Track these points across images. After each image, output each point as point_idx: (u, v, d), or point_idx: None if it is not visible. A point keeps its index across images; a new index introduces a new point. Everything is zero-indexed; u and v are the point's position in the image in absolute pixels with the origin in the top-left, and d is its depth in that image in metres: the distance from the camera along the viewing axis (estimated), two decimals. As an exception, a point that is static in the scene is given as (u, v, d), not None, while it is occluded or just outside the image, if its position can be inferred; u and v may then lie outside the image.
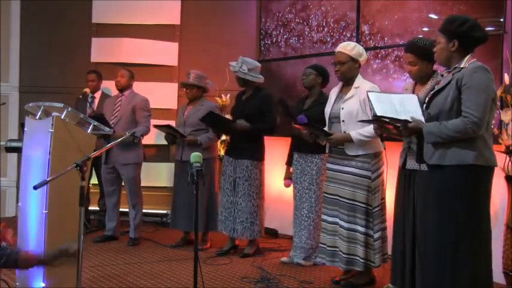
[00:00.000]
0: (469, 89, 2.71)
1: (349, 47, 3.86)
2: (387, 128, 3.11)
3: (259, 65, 4.70)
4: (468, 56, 2.82)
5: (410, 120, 2.84)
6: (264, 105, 4.60)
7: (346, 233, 3.78)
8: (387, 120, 3.01)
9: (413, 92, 3.31)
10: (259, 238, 4.83)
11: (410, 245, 3.14)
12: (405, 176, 3.20)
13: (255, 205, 4.61)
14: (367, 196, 3.75)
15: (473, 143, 2.73)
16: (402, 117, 2.86)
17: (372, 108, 3.03)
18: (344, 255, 3.80)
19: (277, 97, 4.80)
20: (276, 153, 5.48)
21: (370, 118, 3.37)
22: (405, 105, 2.87)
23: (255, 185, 4.62)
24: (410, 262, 3.15)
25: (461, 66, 2.80)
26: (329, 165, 3.99)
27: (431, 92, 2.92)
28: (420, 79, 3.31)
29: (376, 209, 3.76)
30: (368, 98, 3.05)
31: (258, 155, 4.68)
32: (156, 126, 5.03)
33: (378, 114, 2.95)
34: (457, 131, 2.70)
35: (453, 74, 2.81)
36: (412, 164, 3.16)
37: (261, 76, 4.67)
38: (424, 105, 2.92)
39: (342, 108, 3.84)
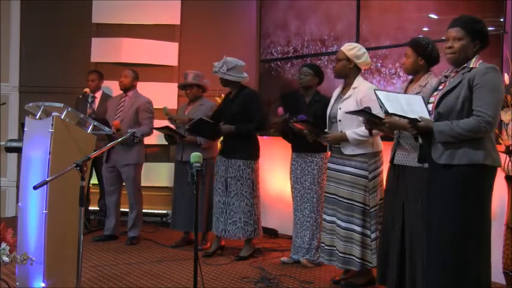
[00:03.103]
0: (481, 89, 2.71)
1: (349, 47, 3.90)
2: (375, 122, 3.22)
3: (242, 64, 4.59)
4: (476, 56, 2.83)
5: (419, 119, 2.83)
6: (248, 103, 4.55)
7: (343, 232, 3.80)
8: (375, 113, 3.11)
9: (406, 90, 3.39)
10: (259, 238, 4.81)
11: (399, 242, 3.24)
12: (394, 171, 3.31)
13: (248, 204, 4.56)
14: (365, 196, 3.76)
15: (482, 143, 2.74)
16: (411, 116, 2.86)
17: (381, 106, 3.04)
18: (340, 255, 3.82)
19: (278, 96, 4.79)
20: (276, 153, 5.49)
21: (357, 109, 3.47)
22: (412, 105, 2.88)
23: (247, 184, 4.56)
24: (397, 260, 3.24)
25: (471, 66, 2.80)
26: (329, 165, 4.01)
27: (439, 93, 2.90)
28: (411, 73, 3.40)
29: (374, 209, 3.76)
30: (376, 96, 3.04)
31: (250, 154, 4.61)
32: (155, 128, 5.04)
33: (390, 112, 2.96)
34: (469, 130, 2.70)
35: (463, 74, 2.80)
36: (399, 159, 3.27)
37: (245, 75, 4.60)
38: (430, 105, 2.91)
39: (340, 108, 3.86)
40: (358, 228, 3.75)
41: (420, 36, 3.45)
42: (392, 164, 3.35)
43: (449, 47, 2.83)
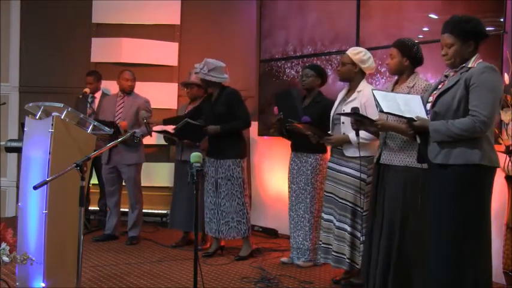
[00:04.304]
0: (477, 88, 2.69)
1: (354, 52, 3.93)
2: (362, 123, 3.30)
3: (222, 65, 4.57)
4: (476, 56, 2.82)
5: (415, 118, 2.84)
6: (232, 102, 4.54)
7: (337, 231, 3.86)
8: (365, 115, 3.20)
9: (392, 90, 3.41)
10: (259, 238, 4.80)
11: (377, 240, 3.30)
12: (378, 170, 3.37)
13: (240, 204, 4.55)
14: (359, 198, 3.79)
15: (479, 143, 2.73)
16: (407, 116, 2.86)
17: (377, 105, 3.05)
18: (334, 253, 3.87)
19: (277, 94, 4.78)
20: (276, 153, 5.48)
21: (349, 112, 3.51)
22: (410, 105, 2.88)
23: (238, 183, 4.54)
24: (376, 258, 3.30)
25: (469, 66, 2.79)
26: (329, 164, 4.03)
27: (437, 92, 2.91)
28: (395, 73, 3.43)
29: (367, 212, 3.77)
30: (373, 95, 3.06)
31: (239, 153, 4.60)
32: (154, 131, 5.05)
33: (385, 110, 2.97)
34: (464, 130, 2.69)
35: (461, 74, 2.80)
36: (385, 158, 3.33)
37: (225, 76, 4.57)
38: (428, 104, 2.92)
39: (343, 111, 3.87)
40: (348, 229, 3.80)
41: (406, 38, 3.47)
42: (377, 163, 3.39)
43: (445, 54, 2.84)
